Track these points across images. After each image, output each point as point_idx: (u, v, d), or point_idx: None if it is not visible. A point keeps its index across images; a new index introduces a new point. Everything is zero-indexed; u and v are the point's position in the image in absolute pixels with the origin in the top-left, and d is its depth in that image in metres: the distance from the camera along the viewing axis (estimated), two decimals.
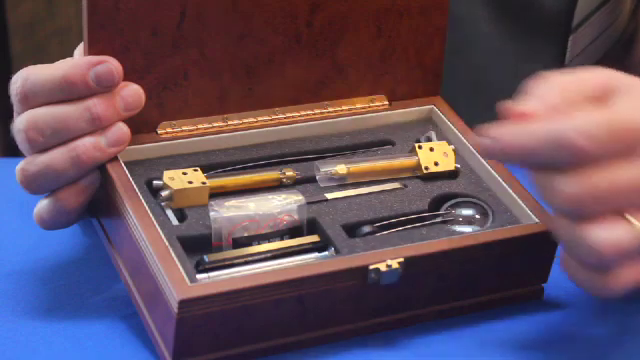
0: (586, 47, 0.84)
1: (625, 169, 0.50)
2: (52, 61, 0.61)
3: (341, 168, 0.60)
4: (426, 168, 0.61)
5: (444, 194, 0.60)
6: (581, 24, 0.83)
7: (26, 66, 0.60)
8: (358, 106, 0.66)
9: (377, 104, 0.66)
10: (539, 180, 0.52)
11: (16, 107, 0.59)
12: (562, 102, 0.52)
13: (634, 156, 0.50)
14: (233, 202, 0.56)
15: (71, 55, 0.62)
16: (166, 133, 0.60)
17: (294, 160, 0.62)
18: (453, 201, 0.59)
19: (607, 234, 0.50)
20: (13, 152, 0.64)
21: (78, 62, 0.57)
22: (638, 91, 0.53)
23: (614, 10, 0.85)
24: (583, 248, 0.51)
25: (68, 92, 0.57)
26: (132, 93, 0.58)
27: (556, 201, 0.51)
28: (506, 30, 0.85)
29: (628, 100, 0.52)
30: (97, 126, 0.57)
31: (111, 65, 0.57)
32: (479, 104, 0.72)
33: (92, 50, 0.56)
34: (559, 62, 0.84)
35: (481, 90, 0.83)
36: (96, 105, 0.57)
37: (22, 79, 0.58)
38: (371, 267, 0.51)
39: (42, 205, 0.60)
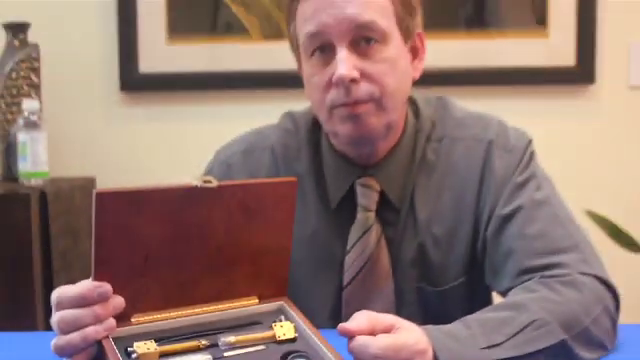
0: (352, 263, 1.17)
1: None
2: (78, 275, 0.88)
3: (232, 338, 0.90)
4: (279, 337, 0.92)
5: (289, 351, 0.91)
6: (348, 252, 1.17)
7: (61, 285, 0.89)
8: (242, 303, 0.96)
9: (252, 302, 0.97)
10: None
11: (53, 309, 0.89)
12: (370, 327, 0.85)
13: None
14: None
15: (89, 271, 0.87)
16: (136, 321, 0.90)
17: (206, 334, 0.91)
18: (293, 355, 0.90)
19: None
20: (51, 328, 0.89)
21: (89, 286, 0.87)
22: (410, 329, 0.87)
23: (366, 242, 1.17)
24: None
25: (83, 303, 0.87)
26: (118, 302, 0.89)
27: None
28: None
29: (404, 332, 0.86)
30: (98, 321, 0.86)
31: (107, 288, 0.87)
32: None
33: (97, 277, 0.87)
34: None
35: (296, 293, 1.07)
36: (98, 309, 0.86)
37: (57, 293, 0.89)
38: None
39: None
